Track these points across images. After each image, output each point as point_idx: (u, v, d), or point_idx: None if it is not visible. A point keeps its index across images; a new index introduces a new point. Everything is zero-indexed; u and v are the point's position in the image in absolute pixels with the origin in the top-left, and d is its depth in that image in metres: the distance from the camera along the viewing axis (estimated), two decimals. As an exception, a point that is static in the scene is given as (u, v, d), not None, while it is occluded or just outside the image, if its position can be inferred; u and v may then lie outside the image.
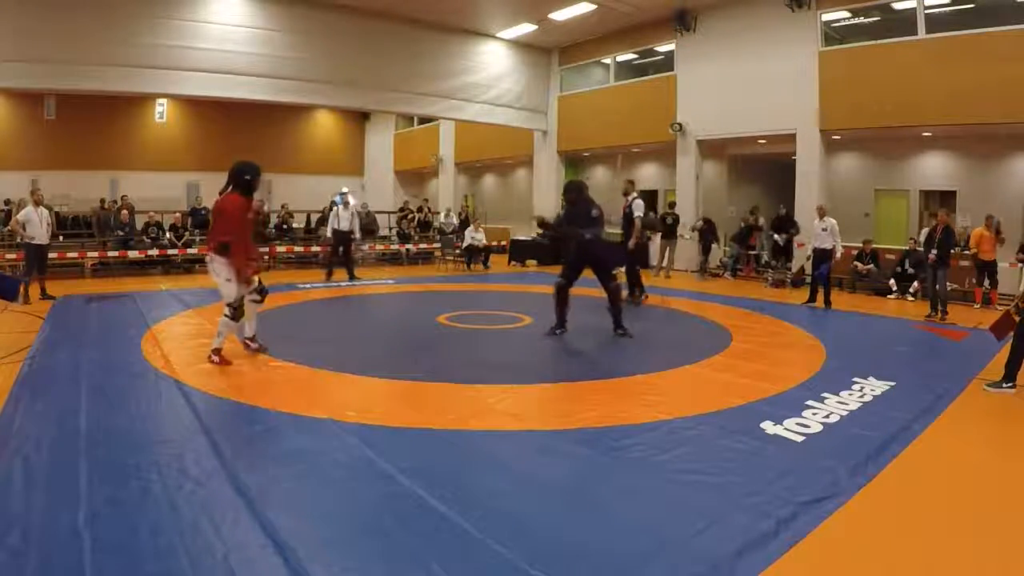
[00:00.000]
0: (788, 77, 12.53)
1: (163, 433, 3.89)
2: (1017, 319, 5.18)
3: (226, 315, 5.49)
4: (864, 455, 3.59)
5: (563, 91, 17.97)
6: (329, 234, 12.09)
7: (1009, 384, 5.02)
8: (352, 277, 11.83)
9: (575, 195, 7.14)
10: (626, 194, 9.60)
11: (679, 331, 7.96)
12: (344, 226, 11.73)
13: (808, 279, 10.69)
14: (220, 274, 5.46)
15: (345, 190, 12.62)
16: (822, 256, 9.72)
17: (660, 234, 14.22)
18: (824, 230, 9.70)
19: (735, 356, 6.20)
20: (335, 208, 11.85)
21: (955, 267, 9.74)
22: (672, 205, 14.49)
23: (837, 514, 2.92)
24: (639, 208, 9.33)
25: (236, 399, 4.51)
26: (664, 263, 14.07)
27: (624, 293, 8.54)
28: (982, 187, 11.74)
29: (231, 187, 5.48)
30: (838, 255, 9.65)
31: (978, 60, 10.22)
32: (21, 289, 7.22)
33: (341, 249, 11.90)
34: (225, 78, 12.74)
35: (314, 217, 16.63)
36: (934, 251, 8.72)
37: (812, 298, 9.88)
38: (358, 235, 12.51)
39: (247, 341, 5.96)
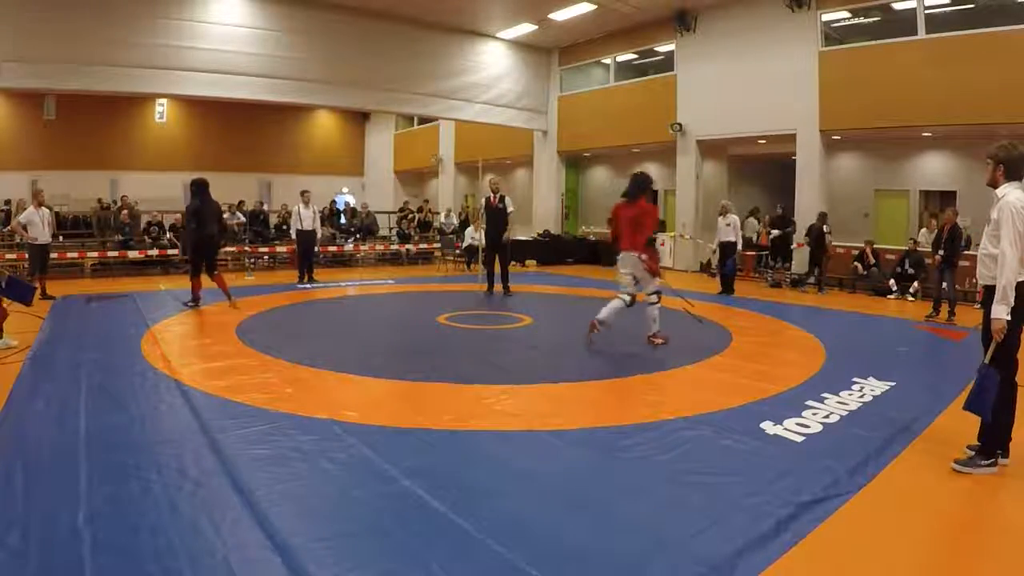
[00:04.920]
0: (788, 77, 12.53)
1: (163, 433, 3.88)
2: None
3: (653, 302, 6.39)
4: (864, 455, 3.58)
5: (563, 91, 17.98)
6: (293, 235, 11.90)
7: (988, 461, 3.44)
8: (311, 279, 11.62)
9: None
10: (494, 191, 10.05)
11: (679, 331, 7.95)
12: (307, 226, 11.58)
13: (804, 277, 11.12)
14: (637, 268, 6.28)
15: (345, 190, 12.61)
16: (727, 250, 10.67)
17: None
18: (728, 225, 10.61)
19: (735, 356, 6.20)
20: (296, 208, 11.69)
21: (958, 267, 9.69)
22: None
23: (837, 514, 2.91)
24: (510, 204, 10.01)
25: (236, 399, 4.50)
26: None
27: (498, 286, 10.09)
28: (982, 187, 11.67)
29: (640, 195, 6.37)
30: (739, 248, 10.65)
31: (978, 60, 10.22)
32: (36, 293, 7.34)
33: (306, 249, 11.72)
34: (225, 78, 12.75)
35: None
36: (941, 252, 8.65)
37: (725, 289, 10.71)
38: (320, 235, 12.48)
39: (651, 338, 6.52)
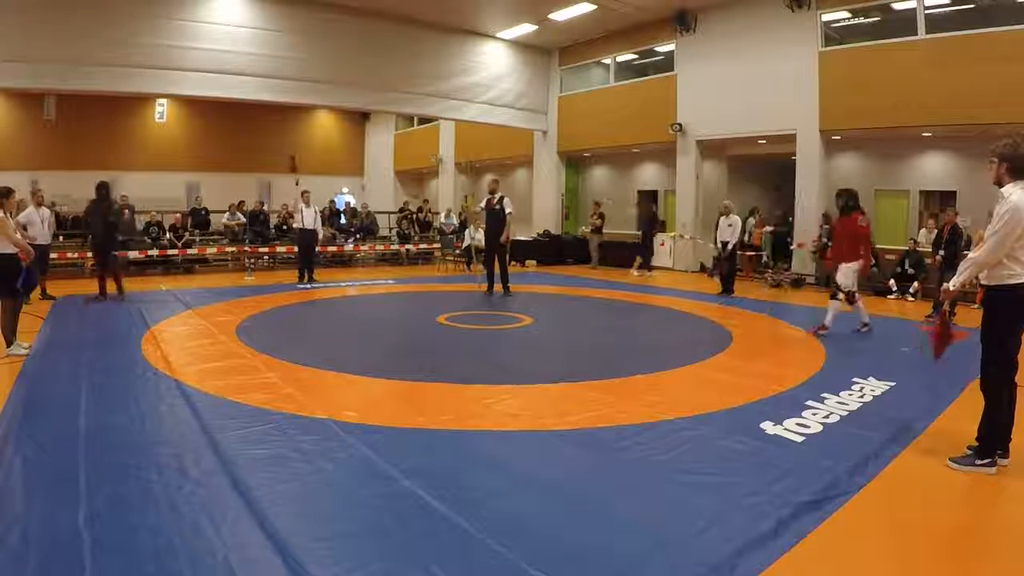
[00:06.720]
0: (788, 77, 12.53)
1: (163, 433, 3.88)
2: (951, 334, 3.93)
3: (839, 299, 7.27)
4: (864, 455, 3.58)
5: (563, 91, 17.97)
6: (296, 223, 11.85)
7: (985, 461, 3.43)
8: (311, 279, 11.59)
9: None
10: (492, 192, 10.09)
11: (679, 331, 7.96)
12: (309, 224, 11.54)
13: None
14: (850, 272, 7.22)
15: (345, 190, 12.61)
16: (726, 250, 10.72)
17: (592, 230, 15.54)
18: (730, 226, 10.67)
19: (735, 356, 6.20)
20: (299, 207, 11.64)
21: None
22: (598, 204, 15.40)
23: (837, 514, 2.92)
24: (509, 204, 9.95)
25: (236, 399, 4.50)
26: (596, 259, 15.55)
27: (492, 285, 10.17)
28: (982, 187, 11.67)
29: (850, 211, 7.10)
30: (729, 247, 10.67)
31: (978, 60, 10.21)
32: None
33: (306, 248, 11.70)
34: (225, 78, 12.74)
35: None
36: (941, 252, 8.64)
37: (725, 289, 10.71)
38: (321, 234, 12.48)
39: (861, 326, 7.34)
